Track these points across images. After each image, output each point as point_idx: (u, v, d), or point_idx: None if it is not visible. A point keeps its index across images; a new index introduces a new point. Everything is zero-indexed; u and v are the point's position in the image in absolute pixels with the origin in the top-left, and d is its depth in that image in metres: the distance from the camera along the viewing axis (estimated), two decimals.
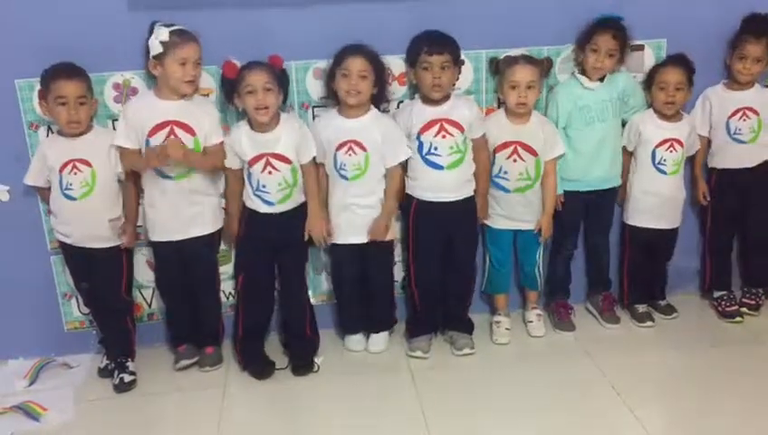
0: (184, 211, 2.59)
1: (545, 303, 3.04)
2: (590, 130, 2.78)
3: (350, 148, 2.60)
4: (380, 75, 2.59)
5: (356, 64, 2.53)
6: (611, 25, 2.69)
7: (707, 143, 2.95)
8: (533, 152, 2.72)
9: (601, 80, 2.76)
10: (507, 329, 2.89)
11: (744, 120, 2.85)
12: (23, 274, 2.75)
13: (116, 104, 2.63)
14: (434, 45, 2.56)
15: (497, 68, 2.72)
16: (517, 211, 2.80)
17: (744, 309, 2.97)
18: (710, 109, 2.90)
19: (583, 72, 2.77)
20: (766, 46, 2.76)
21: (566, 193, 2.85)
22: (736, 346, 2.78)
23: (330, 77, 2.60)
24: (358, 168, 2.62)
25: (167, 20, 2.47)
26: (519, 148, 2.71)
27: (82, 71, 2.48)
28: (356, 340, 2.84)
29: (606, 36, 2.68)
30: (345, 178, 2.64)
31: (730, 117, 2.87)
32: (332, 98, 2.64)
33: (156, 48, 2.43)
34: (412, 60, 2.62)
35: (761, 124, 2.84)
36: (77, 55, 2.48)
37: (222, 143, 2.57)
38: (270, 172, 2.56)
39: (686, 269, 3.11)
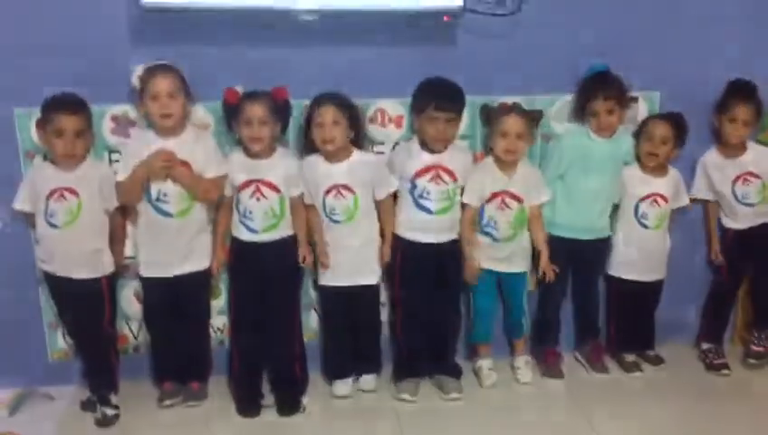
0: (180, 248, 2.58)
1: (533, 349, 3.03)
2: (586, 180, 2.80)
3: (339, 191, 2.63)
4: (354, 120, 2.62)
5: (328, 114, 2.55)
6: (600, 86, 2.70)
7: (717, 205, 2.99)
8: (519, 200, 2.75)
9: (608, 136, 2.79)
10: (490, 369, 2.88)
11: (748, 184, 2.89)
12: (9, 302, 2.72)
13: (113, 136, 2.64)
14: (443, 101, 2.59)
15: (488, 117, 2.75)
16: (505, 256, 2.81)
17: (751, 360, 2.98)
18: (710, 177, 2.94)
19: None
20: (754, 110, 2.81)
21: (552, 238, 2.86)
22: (723, 399, 2.79)
23: (306, 127, 2.63)
24: (347, 210, 2.64)
25: (170, 54, 2.50)
26: (506, 197, 2.74)
27: (84, 104, 2.49)
28: (344, 384, 2.80)
29: (598, 99, 2.71)
30: (337, 221, 2.65)
31: (734, 183, 2.90)
32: (310, 148, 2.66)
33: (136, 85, 2.47)
34: (418, 109, 2.65)
35: (765, 186, 2.88)
36: (77, 86, 2.48)
37: (222, 177, 2.57)
38: (258, 199, 2.57)
39: (677, 320, 3.12)
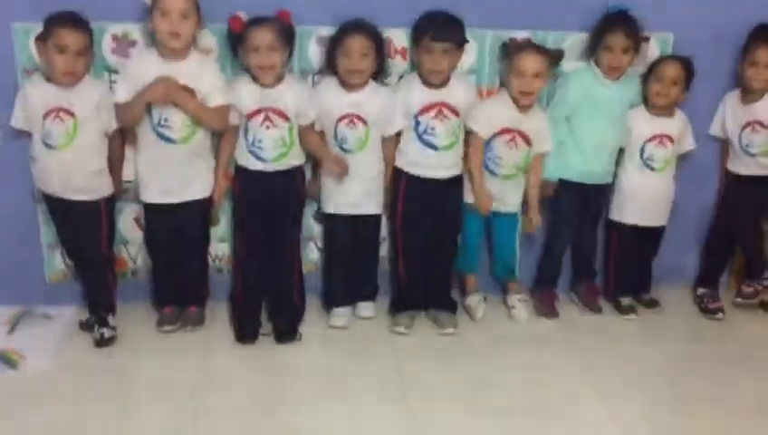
0: (182, 175, 2.56)
1: (532, 289, 3.05)
2: (594, 124, 2.77)
3: (352, 120, 2.59)
4: (381, 52, 2.57)
5: (357, 43, 2.50)
6: (622, 21, 2.66)
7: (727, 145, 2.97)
8: (529, 142, 2.72)
9: (615, 79, 2.74)
10: (480, 301, 2.91)
11: (755, 133, 2.85)
12: (7, 221, 2.71)
13: (113, 56, 2.58)
14: (438, 32, 2.53)
15: (507, 52, 2.70)
16: (498, 194, 2.79)
17: (739, 299, 3.04)
18: (725, 117, 2.92)
19: (598, 66, 2.74)
20: None
21: (564, 183, 2.84)
22: (716, 342, 2.82)
23: (330, 54, 2.57)
24: (359, 140, 2.62)
25: None
26: (518, 136, 2.70)
27: (87, 23, 2.42)
28: (342, 314, 2.82)
29: (618, 35, 2.65)
30: (346, 150, 2.63)
31: (742, 129, 2.87)
32: (333, 73, 2.61)
33: (148, 2, 2.39)
34: (415, 41, 2.60)
35: None
36: (78, 3, 2.42)
37: (227, 106, 2.51)
38: (268, 127, 2.53)
39: (674, 265, 3.13)
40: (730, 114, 2.90)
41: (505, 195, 2.80)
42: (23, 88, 2.52)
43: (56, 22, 2.38)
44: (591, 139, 2.79)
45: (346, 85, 2.59)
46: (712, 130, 2.97)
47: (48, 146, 2.47)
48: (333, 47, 2.55)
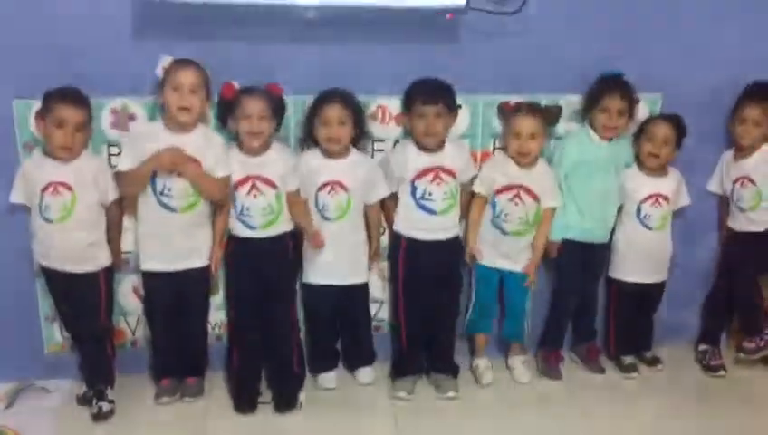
0: (182, 244, 2.57)
1: (538, 349, 3.03)
2: (591, 183, 2.80)
3: (333, 188, 2.62)
4: (359, 118, 2.62)
5: (334, 111, 2.55)
6: (618, 85, 2.72)
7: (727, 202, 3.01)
8: (535, 198, 2.74)
9: (609, 140, 2.79)
10: (488, 368, 2.89)
11: (743, 188, 2.89)
12: (6, 294, 2.71)
13: (112, 130, 2.61)
14: (428, 95, 2.58)
15: (503, 114, 2.75)
16: (511, 253, 2.80)
17: (741, 355, 3.01)
18: (722, 173, 2.97)
19: (593, 127, 2.79)
20: (763, 110, 2.80)
21: (567, 243, 2.85)
22: (719, 400, 2.81)
23: (308, 123, 2.62)
24: (340, 208, 2.64)
25: (168, 49, 2.47)
26: (521, 192, 2.73)
27: (87, 99, 2.47)
28: (330, 378, 2.83)
29: (614, 97, 2.70)
30: (328, 218, 2.65)
31: (734, 184, 2.92)
32: (311, 144, 2.66)
33: (160, 75, 2.45)
34: (407, 106, 2.65)
35: (759, 193, 2.87)
36: (77, 79, 2.46)
37: (228, 177, 2.55)
38: (255, 196, 2.56)
39: (675, 322, 3.13)
40: (725, 171, 2.96)
41: (517, 254, 2.81)
42: (24, 164, 2.55)
43: (55, 97, 2.42)
44: (589, 199, 2.82)
45: (327, 154, 2.62)
46: (710, 187, 3.02)
47: (46, 220, 2.48)
48: (312, 117, 2.60)
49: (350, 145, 2.65)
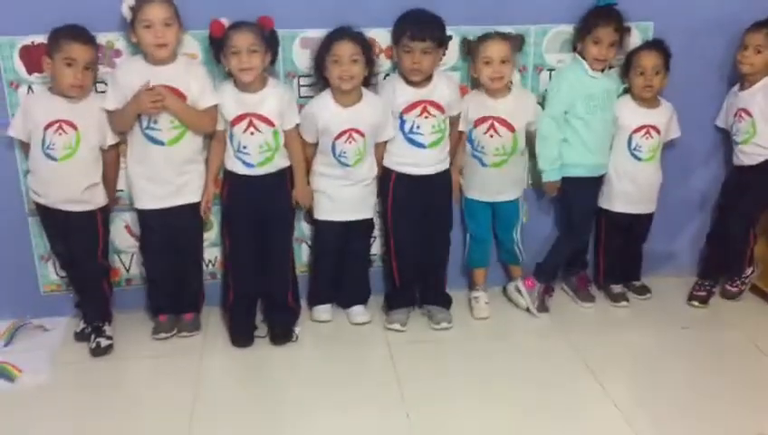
0: (173, 179, 2.57)
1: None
2: (593, 119, 2.78)
3: (350, 136, 2.61)
4: (369, 56, 2.59)
5: (346, 49, 2.51)
6: (612, 16, 2.68)
7: None
8: (510, 127, 2.73)
9: (601, 70, 2.77)
10: (486, 303, 2.93)
11: (740, 121, 2.86)
12: None
13: (99, 66, 2.56)
14: (416, 31, 2.55)
15: (469, 48, 2.72)
16: (494, 185, 2.82)
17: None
18: (726, 107, 2.95)
19: (583, 57, 2.76)
20: (765, 35, 2.75)
21: (577, 179, 2.83)
22: (703, 327, 2.87)
23: (318, 63, 2.59)
24: (358, 153, 2.64)
25: None
26: (496, 123, 2.72)
27: (94, 37, 2.44)
28: (325, 310, 2.88)
29: (608, 29, 2.68)
30: (346, 164, 2.65)
31: (734, 117, 2.89)
32: (322, 82, 2.63)
33: (127, 15, 2.41)
34: (395, 40, 2.62)
35: (753, 125, 2.83)
36: (59, 15, 2.41)
37: (215, 106, 2.53)
38: (252, 133, 2.55)
39: (662, 252, 3.16)
40: (728, 106, 2.93)
41: (502, 185, 2.82)
42: (26, 99, 2.52)
43: (65, 35, 2.39)
44: (597, 133, 2.81)
45: (341, 100, 2.59)
46: (717, 122, 2.99)
47: (49, 157, 2.47)
48: (322, 55, 2.56)
49: (361, 87, 2.62)
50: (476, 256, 2.96)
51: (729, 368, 2.59)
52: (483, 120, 2.73)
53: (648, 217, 3.01)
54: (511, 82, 2.76)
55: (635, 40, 2.85)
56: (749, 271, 3.02)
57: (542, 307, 2.94)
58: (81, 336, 2.69)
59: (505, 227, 2.92)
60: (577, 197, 2.88)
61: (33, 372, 2.49)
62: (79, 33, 2.40)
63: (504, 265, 3.07)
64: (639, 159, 2.87)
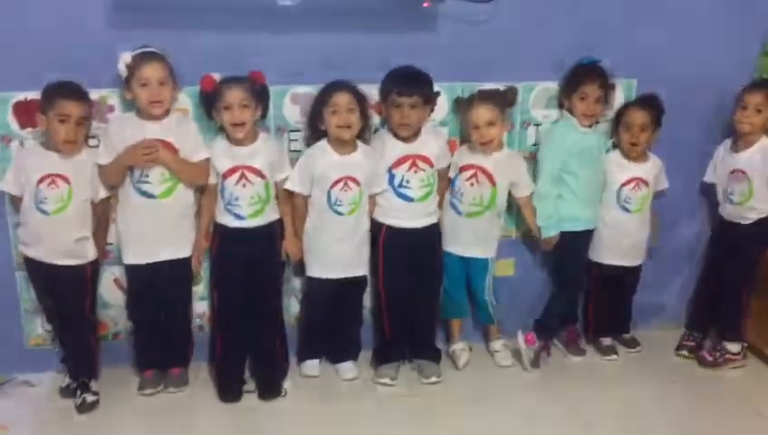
0: (163, 233, 2.58)
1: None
2: (585, 174, 2.82)
3: (346, 183, 2.63)
4: (364, 109, 2.63)
5: (344, 99, 2.56)
6: (595, 73, 2.74)
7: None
8: (492, 181, 2.75)
9: (590, 126, 2.82)
10: (462, 350, 2.93)
11: (737, 182, 2.87)
12: None
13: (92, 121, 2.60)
14: (404, 87, 2.60)
15: (459, 108, 2.77)
16: (465, 236, 2.82)
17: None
18: (716, 164, 2.97)
19: (571, 113, 2.81)
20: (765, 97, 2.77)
21: (569, 233, 2.86)
22: (693, 380, 2.87)
23: (315, 115, 2.62)
24: (353, 202, 2.65)
25: (147, 39, 2.47)
26: (479, 172, 2.75)
27: (87, 93, 2.47)
28: (314, 365, 2.86)
29: (593, 85, 2.73)
30: (341, 214, 2.66)
31: (729, 176, 2.90)
32: (314, 137, 2.67)
33: (123, 73, 2.45)
34: (384, 97, 2.67)
35: (751, 189, 2.83)
36: (54, 71, 2.44)
37: (207, 159, 2.56)
38: (244, 185, 2.57)
39: (651, 304, 3.19)
40: (720, 161, 2.95)
41: (473, 237, 2.83)
42: (19, 154, 2.54)
43: (58, 92, 2.42)
44: (590, 187, 2.85)
45: (338, 149, 2.62)
46: (706, 178, 3.02)
47: (42, 211, 2.48)
48: (319, 107, 2.60)
49: (356, 139, 2.65)
50: (449, 308, 2.95)
51: (720, 422, 2.58)
52: (469, 166, 2.76)
53: (636, 270, 3.02)
54: (502, 143, 2.79)
55: (619, 96, 2.90)
56: (737, 348, 2.95)
57: (536, 363, 2.93)
58: (66, 392, 2.66)
59: (475, 283, 2.91)
60: (569, 250, 2.90)
61: (19, 429, 2.45)
62: (72, 90, 2.43)
63: (482, 326, 3.05)
64: (629, 211, 2.90)
